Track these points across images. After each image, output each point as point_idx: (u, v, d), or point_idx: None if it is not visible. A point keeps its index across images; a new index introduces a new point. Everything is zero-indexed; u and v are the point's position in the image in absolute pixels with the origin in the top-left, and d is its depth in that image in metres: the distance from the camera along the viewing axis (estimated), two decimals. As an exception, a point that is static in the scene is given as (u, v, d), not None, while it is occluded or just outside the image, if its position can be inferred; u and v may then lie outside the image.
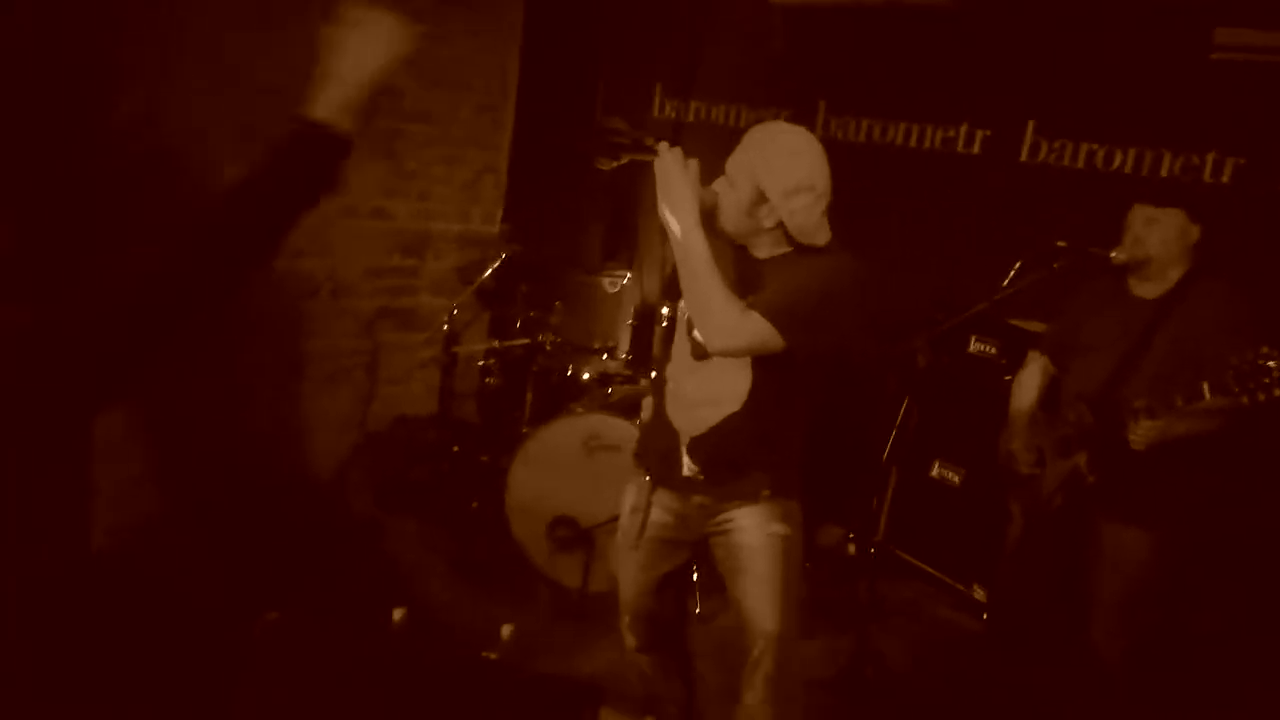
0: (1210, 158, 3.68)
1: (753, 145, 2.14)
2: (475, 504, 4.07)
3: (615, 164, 5.83)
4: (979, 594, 3.90)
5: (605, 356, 4.41)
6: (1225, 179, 3.64)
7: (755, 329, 2.05)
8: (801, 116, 4.74)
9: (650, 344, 4.13)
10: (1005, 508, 3.23)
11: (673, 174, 2.10)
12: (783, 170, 2.08)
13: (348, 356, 4.61)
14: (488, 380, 4.39)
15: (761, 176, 2.09)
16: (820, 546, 4.30)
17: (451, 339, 4.30)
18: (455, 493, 4.19)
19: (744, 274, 2.22)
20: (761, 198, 2.11)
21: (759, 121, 4.81)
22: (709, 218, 2.16)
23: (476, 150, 4.81)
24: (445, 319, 4.27)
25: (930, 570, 4.11)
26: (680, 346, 2.33)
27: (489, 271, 4.22)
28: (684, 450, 2.32)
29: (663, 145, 2.15)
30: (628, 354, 4.19)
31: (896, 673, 3.48)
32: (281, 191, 1.32)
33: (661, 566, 2.48)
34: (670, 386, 2.37)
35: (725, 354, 2.17)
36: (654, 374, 2.55)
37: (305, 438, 4.57)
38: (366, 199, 4.43)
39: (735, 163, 2.16)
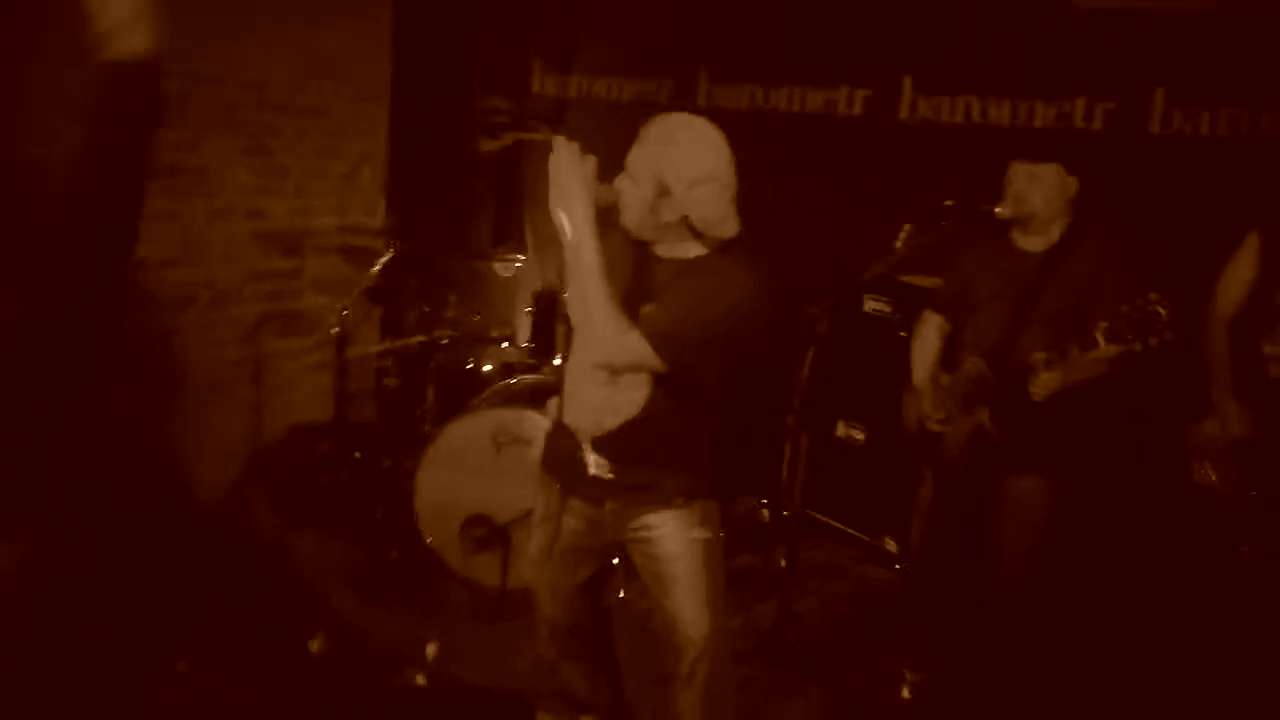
0: (1081, 104, 3.78)
1: (654, 138, 2.08)
2: (382, 511, 3.95)
3: (498, 144, 5.73)
4: (891, 545, 3.98)
5: (505, 345, 4.32)
6: (1097, 125, 3.75)
7: (635, 350, 2.01)
8: (684, 86, 4.71)
9: (552, 330, 4.04)
10: (913, 467, 3.29)
11: (566, 171, 2.01)
12: (686, 161, 2.02)
13: (232, 367, 4.39)
14: (385, 381, 4.25)
15: (664, 169, 2.03)
16: (734, 516, 4.32)
17: (342, 341, 4.13)
18: (360, 501, 4.06)
19: (642, 276, 2.16)
20: (665, 191, 2.04)
21: (641, 93, 4.85)
22: (608, 215, 2.09)
23: (353, 140, 4.61)
24: (334, 320, 4.10)
25: (842, 527, 4.18)
26: (578, 347, 2.27)
27: (376, 268, 4.06)
28: (587, 449, 2.26)
29: (558, 140, 2.04)
30: (529, 342, 4.09)
31: (818, 634, 3.53)
32: (113, 149, 1.18)
33: (578, 575, 2.43)
34: (569, 387, 2.30)
35: (606, 369, 2.13)
36: (560, 368, 2.48)
37: (194, 457, 4.35)
38: (240, 199, 4.21)
39: (636, 157, 2.09)
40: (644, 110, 4.72)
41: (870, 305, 3.98)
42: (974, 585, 3.06)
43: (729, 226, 2.11)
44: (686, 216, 2.06)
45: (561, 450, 2.34)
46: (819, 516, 4.22)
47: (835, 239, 4.27)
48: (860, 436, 4.08)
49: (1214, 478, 2.87)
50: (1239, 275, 2.92)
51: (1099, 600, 3.29)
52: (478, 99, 5.15)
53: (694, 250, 2.14)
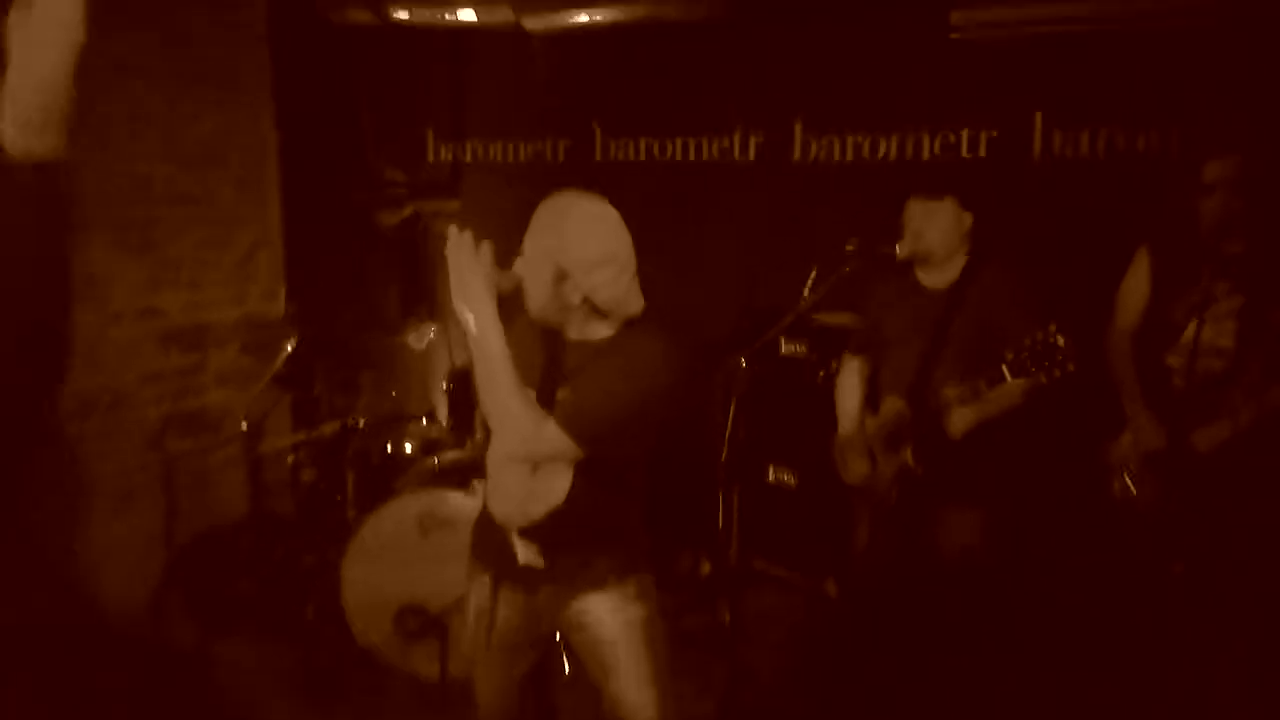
0: (965, 134, 3.88)
1: (546, 223, 2.02)
2: (311, 610, 3.79)
3: (399, 216, 5.64)
4: (832, 589, 3.97)
5: (425, 421, 4.21)
6: (982, 153, 3.85)
7: (552, 441, 1.97)
8: (579, 143, 4.71)
9: (470, 406, 3.96)
10: (847, 510, 3.29)
11: (463, 262, 1.96)
12: (581, 245, 1.97)
13: (140, 472, 4.19)
14: (301, 475, 4.10)
15: (560, 254, 1.98)
16: (675, 573, 4.27)
17: (252, 435, 3.99)
18: (285, 601, 3.89)
19: (554, 360, 2.12)
20: (563, 275, 1.99)
21: (538, 155, 4.83)
22: (512, 301, 2.05)
23: (245, 227, 4.48)
24: (241, 415, 3.95)
25: (782, 573, 4.15)
26: (495, 439, 2.20)
27: (280, 359, 3.93)
28: (516, 539, 2.20)
29: (451, 230, 1.99)
30: (448, 420, 4.00)
31: (771, 688, 3.49)
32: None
33: (518, 667, 2.35)
34: (491, 478, 2.24)
35: (525, 461, 2.08)
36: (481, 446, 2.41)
37: (104, 569, 4.14)
38: (131, 299, 4.04)
39: (531, 244, 2.04)
40: (541, 170, 4.79)
41: (787, 348, 4.00)
42: (911, 622, 3.07)
43: (634, 304, 2.07)
44: (589, 299, 2.02)
45: (490, 540, 2.27)
46: (759, 565, 4.19)
47: (742, 283, 4.29)
48: (791, 480, 4.08)
49: (1134, 491, 2.93)
50: (1134, 291, 3.00)
51: (1035, 622, 3.32)
52: (373, 172, 5.07)
53: (602, 330, 2.10)
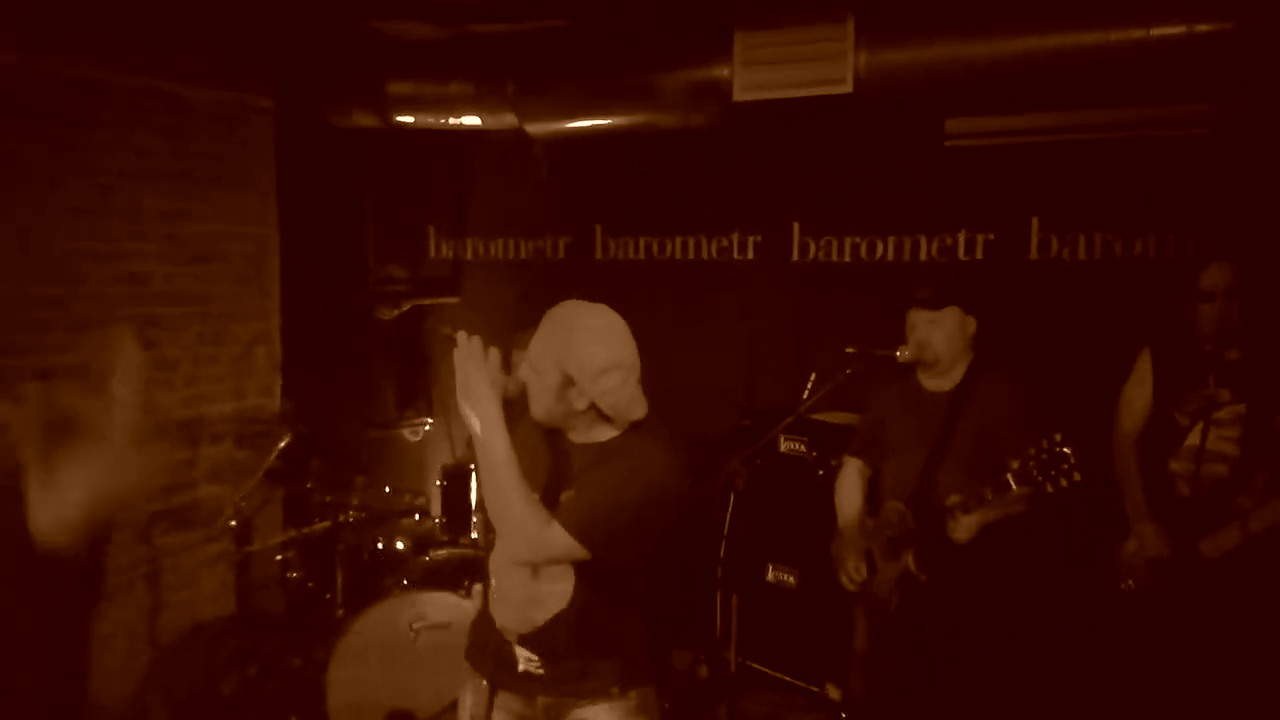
0: (962, 237, 3.93)
1: (554, 330, 2.04)
2: (295, 715, 3.67)
3: (397, 311, 5.67)
4: (833, 693, 3.85)
5: (418, 517, 4.15)
6: (979, 255, 3.89)
7: (559, 544, 1.96)
8: (580, 242, 4.76)
9: (465, 502, 3.91)
10: (847, 611, 3.22)
11: (470, 366, 1.98)
12: (588, 352, 1.99)
13: (126, 570, 4.11)
14: (289, 574, 4.01)
15: (567, 361, 1.99)
16: (672, 674, 4.15)
17: (242, 531, 3.91)
18: (269, 704, 3.76)
19: (558, 463, 2.11)
20: (569, 381, 2.01)
21: (538, 252, 4.88)
22: (517, 405, 2.05)
23: (243, 323, 4.48)
24: (231, 512, 3.88)
25: (782, 677, 4.04)
26: (499, 543, 2.17)
27: (273, 455, 3.89)
28: (516, 645, 2.14)
29: (460, 335, 2.02)
30: (441, 517, 3.93)
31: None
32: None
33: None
34: (493, 583, 2.20)
35: (530, 564, 2.05)
36: (481, 545, 2.36)
37: (89, 666, 4.02)
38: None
39: (537, 350, 2.06)
40: (542, 268, 4.84)
41: (786, 446, 3.96)
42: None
43: (638, 409, 2.08)
44: (595, 404, 2.03)
45: (488, 644, 2.22)
46: (758, 667, 4.08)
47: (742, 381, 4.29)
48: (791, 580, 4.00)
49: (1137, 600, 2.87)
50: (1137, 396, 2.99)
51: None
52: (373, 269, 5.11)
53: (607, 433, 2.10)
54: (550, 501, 2.04)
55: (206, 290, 4.30)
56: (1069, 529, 3.08)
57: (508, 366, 2.09)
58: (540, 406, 2.07)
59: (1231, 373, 2.76)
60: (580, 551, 1.97)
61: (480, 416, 1.97)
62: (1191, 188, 3.44)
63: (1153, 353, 2.98)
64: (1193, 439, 2.80)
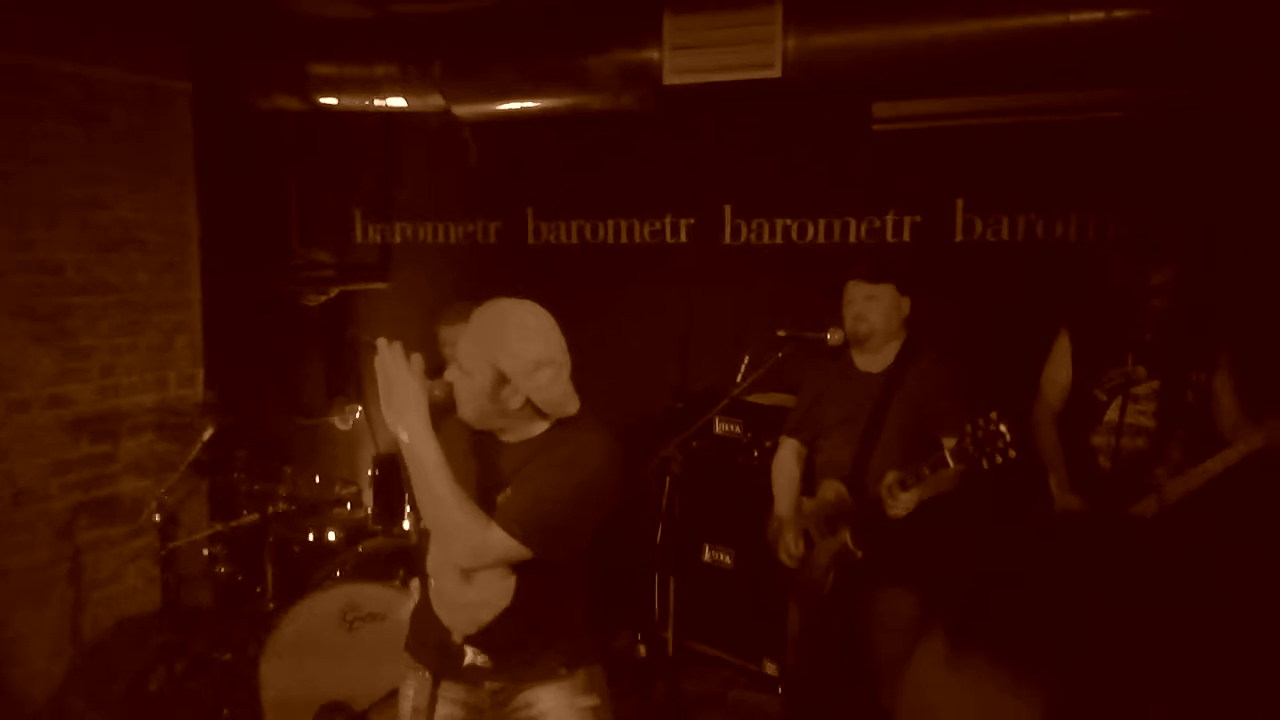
0: (890, 219, 3.98)
1: (483, 329, 2.01)
2: (227, 710, 3.59)
3: (324, 297, 5.54)
4: (770, 669, 3.91)
5: (350, 507, 4.08)
6: (906, 237, 3.95)
7: (500, 547, 1.94)
8: (511, 226, 4.72)
9: (398, 492, 3.85)
10: (783, 589, 3.26)
11: (393, 374, 1.93)
12: (521, 349, 1.96)
13: (47, 567, 3.98)
14: (218, 569, 3.92)
15: (500, 359, 1.96)
16: (611, 655, 4.17)
17: (167, 525, 3.81)
18: (200, 699, 3.68)
19: (490, 464, 2.08)
20: (503, 380, 1.98)
21: (469, 236, 4.82)
22: (445, 410, 2.01)
23: (163, 312, 4.34)
24: (154, 506, 3.77)
25: (720, 654, 4.09)
26: (437, 548, 2.14)
27: (198, 446, 3.79)
28: (461, 644, 2.12)
29: (380, 342, 1.96)
30: (373, 508, 3.88)
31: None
32: None
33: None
34: (433, 584, 2.17)
35: (472, 569, 2.03)
36: (416, 541, 2.32)
37: (11, 668, 3.89)
38: (37, 388, 3.87)
39: (467, 351, 2.02)
40: (473, 252, 4.78)
41: (721, 428, 3.99)
42: (854, 703, 3.03)
43: (572, 404, 2.07)
44: (530, 400, 2.01)
45: (430, 637, 2.19)
46: (696, 645, 4.12)
47: (676, 362, 4.30)
48: (728, 560, 4.04)
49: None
50: (1057, 374, 3.08)
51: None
52: (298, 254, 4.99)
53: (539, 428, 2.08)
54: (486, 503, 2.01)
55: (123, 279, 4.16)
56: (998, 505, 3.16)
57: (431, 370, 2.04)
58: (471, 408, 2.03)
59: (1147, 351, 2.86)
60: (522, 552, 1.96)
61: (407, 426, 1.92)
62: (1110, 171, 3.54)
63: (1071, 333, 3.07)
64: (1112, 414, 2.91)
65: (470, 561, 2.01)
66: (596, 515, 2.05)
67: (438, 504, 1.94)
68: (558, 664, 2.14)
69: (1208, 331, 2.88)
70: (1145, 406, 2.89)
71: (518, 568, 2.04)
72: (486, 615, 2.08)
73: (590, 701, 2.15)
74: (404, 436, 1.93)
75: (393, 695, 2.36)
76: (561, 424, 2.08)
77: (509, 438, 2.10)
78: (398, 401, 1.92)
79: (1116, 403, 2.86)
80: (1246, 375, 2.85)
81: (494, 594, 2.07)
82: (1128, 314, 2.87)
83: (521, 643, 2.11)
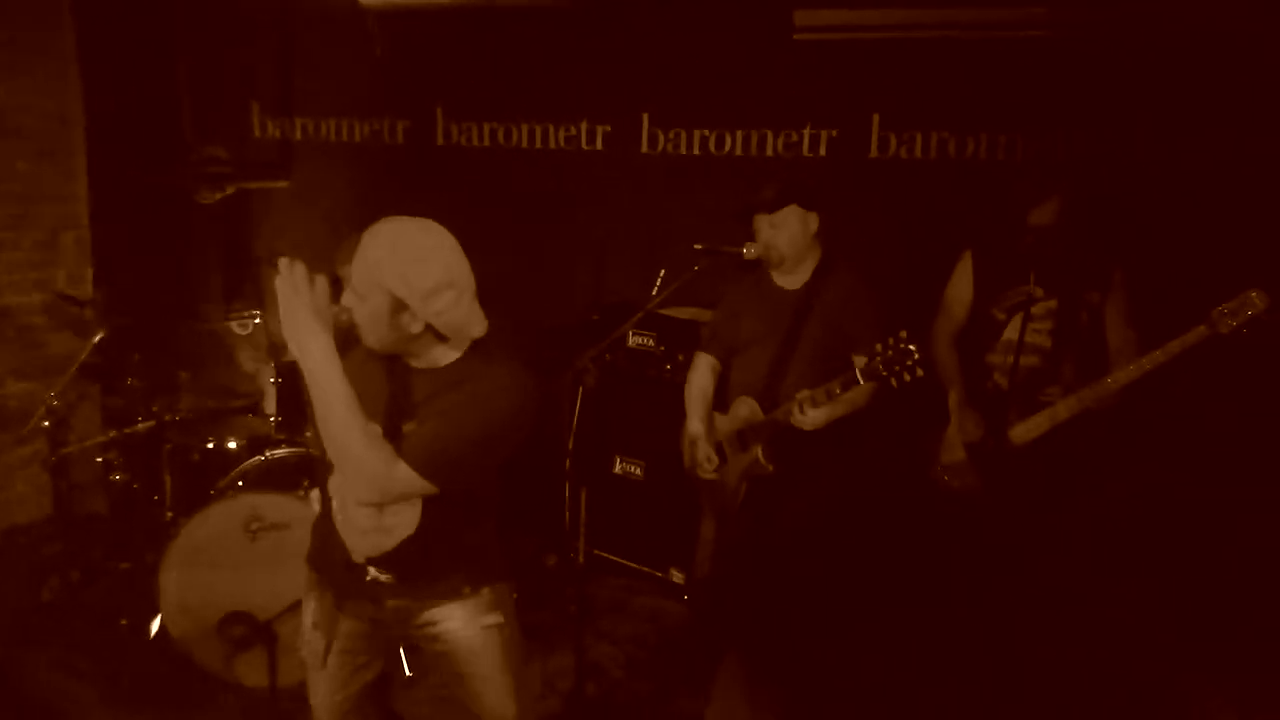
0: (807, 133, 3.97)
1: (376, 252, 1.87)
2: (124, 620, 3.52)
3: (220, 195, 5.28)
4: (676, 577, 4.01)
5: (251, 415, 3.97)
6: (822, 152, 3.95)
7: (404, 482, 1.88)
8: (420, 126, 4.54)
9: (300, 400, 3.75)
10: (692, 500, 3.32)
11: (295, 298, 1.81)
12: (416, 273, 1.84)
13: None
14: (113, 477, 3.79)
15: (394, 284, 1.84)
16: (520, 565, 4.21)
17: (57, 431, 3.66)
18: (96, 608, 3.60)
19: (398, 392, 1.99)
20: (400, 305, 1.87)
21: (375, 134, 4.63)
22: (352, 335, 1.92)
23: (46, 205, 4.09)
24: (43, 411, 3.61)
25: (628, 563, 4.17)
26: (339, 477, 2.06)
27: (88, 349, 3.62)
28: (364, 563, 2.09)
29: (282, 262, 1.82)
30: (276, 416, 3.77)
31: (616, 679, 3.49)
32: None
33: (359, 680, 2.24)
34: (335, 505, 2.11)
35: (376, 503, 1.98)
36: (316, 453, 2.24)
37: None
38: (-93, 284, 3.64)
39: (361, 274, 1.89)
40: (380, 152, 4.59)
41: (635, 340, 3.99)
42: (763, 609, 3.14)
43: (478, 326, 1.98)
44: (430, 325, 1.91)
45: (332, 553, 2.13)
46: (604, 554, 4.19)
47: (592, 274, 4.26)
48: (638, 471, 4.09)
49: (952, 482, 3.08)
50: (958, 293, 3.15)
51: (869, 606, 3.46)
52: (193, 147, 4.73)
53: (448, 355, 1.99)
54: (392, 433, 1.93)
55: (3, 167, 3.89)
56: (902, 421, 3.25)
57: (336, 293, 1.91)
58: (372, 334, 1.93)
59: (1046, 270, 2.93)
60: (428, 488, 1.90)
61: (306, 350, 1.81)
62: (1023, 92, 3.57)
63: (975, 252, 3.13)
64: (1009, 333, 2.99)
65: (373, 497, 1.95)
66: (505, 450, 1.99)
67: (341, 436, 1.85)
68: (461, 583, 2.11)
69: (1104, 252, 2.97)
70: (1041, 325, 2.98)
71: (424, 499, 2.00)
72: (390, 542, 2.04)
73: (493, 619, 2.14)
74: (305, 363, 1.83)
75: (297, 606, 2.32)
76: (473, 351, 1.99)
77: (418, 363, 2.00)
78: (300, 327, 1.81)
79: (1015, 321, 2.94)
80: (1138, 297, 2.95)
81: (399, 522, 2.02)
82: (1026, 235, 2.94)
83: (426, 565, 2.07)
